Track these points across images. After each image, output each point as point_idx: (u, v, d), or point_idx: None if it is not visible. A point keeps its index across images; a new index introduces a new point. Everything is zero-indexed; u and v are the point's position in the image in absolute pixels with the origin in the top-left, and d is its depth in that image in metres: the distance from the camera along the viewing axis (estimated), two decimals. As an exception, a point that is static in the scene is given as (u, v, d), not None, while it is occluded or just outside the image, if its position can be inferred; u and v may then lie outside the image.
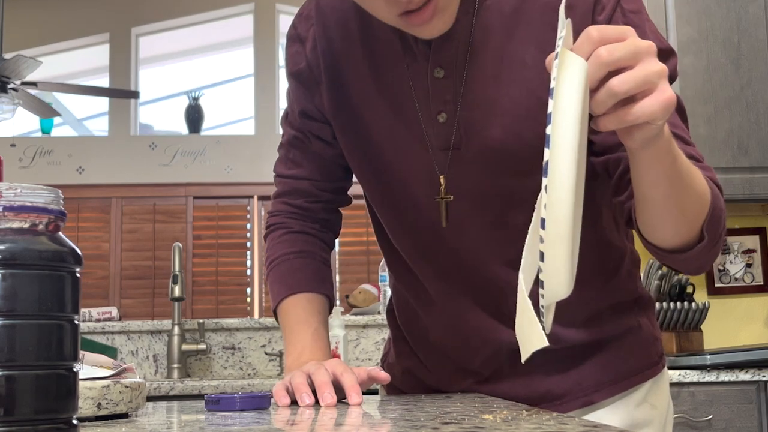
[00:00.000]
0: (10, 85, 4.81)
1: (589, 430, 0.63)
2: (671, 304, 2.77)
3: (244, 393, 0.96)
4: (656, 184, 0.91)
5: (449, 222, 1.12)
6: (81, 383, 0.78)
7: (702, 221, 0.96)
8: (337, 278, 6.54)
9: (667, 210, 0.94)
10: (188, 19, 7.28)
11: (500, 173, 1.08)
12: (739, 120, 2.78)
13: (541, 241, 0.75)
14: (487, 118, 1.06)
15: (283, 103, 7.21)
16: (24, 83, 4.93)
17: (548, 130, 0.73)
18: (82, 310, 2.62)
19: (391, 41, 1.09)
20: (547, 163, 0.73)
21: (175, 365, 3.07)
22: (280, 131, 1.31)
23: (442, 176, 1.10)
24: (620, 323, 1.18)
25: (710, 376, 2.41)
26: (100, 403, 0.85)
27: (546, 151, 0.73)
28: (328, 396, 0.99)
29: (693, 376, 2.41)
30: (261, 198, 6.83)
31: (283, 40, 7.29)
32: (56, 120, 7.07)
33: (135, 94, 6.32)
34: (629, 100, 0.77)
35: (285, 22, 7.04)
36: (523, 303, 0.78)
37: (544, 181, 0.74)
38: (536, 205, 0.76)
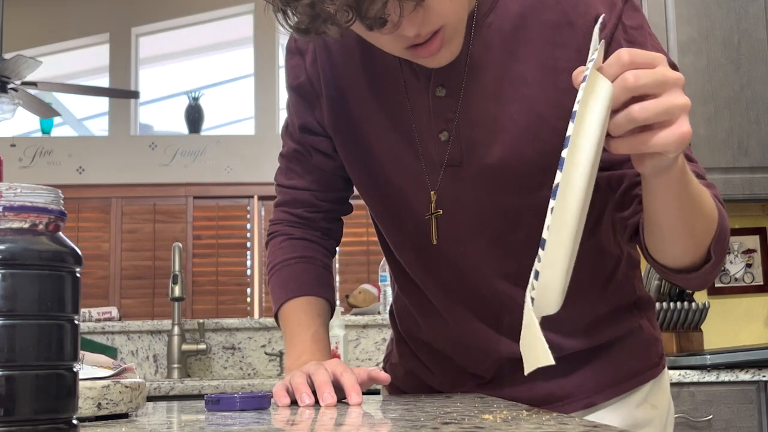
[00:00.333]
0: (10, 85, 4.81)
1: (589, 430, 0.63)
2: (671, 304, 2.77)
3: (244, 393, 0.96)
4: (667, 210, 0.92)
5: (449, 237, 1.12)
6: (81, 383, 0.78)
7: (709, 241, 0.97)
8: (338, 278, 6.54)
9: (677, 233, 0.95)
10: (188, 19, 7.28)
11: (501, 190, 1.08)
12: (739, 120, 2.78)
13: (539, 260, 0.75)
14: (488, 136, 1.06)
15: (283, 103, 7.20)
16: (24, 83, 4.93)
17: (564, 153, 0.73)
18: (82, 310, 2.62)
19: (391, 57, 1.09)
20: (557, 186, 0.73)
21: (175, 365, 3.07)
22: (280, 131, 1.31)
23: (432, 192, 1.10)
24: (621, 327, 1.18)
25: (710, 376, 2.41)
26: (100, 403, 0.85)
27: (558, 173, 0.73)
28: (328, 396, 0.99)
29: (693, 376, 2.41)
30: (261, 198, 6.83)
31: (282, 40, 7.29)
32: (56, 120, 7.07)
33: (135, 94, 6.32)
34: (647, 127, 0.78)
35: (285, 22, 7.01)
36: (530, 319, 0.78)
37: (552, 203, 0.74)
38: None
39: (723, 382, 2.42)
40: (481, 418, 0.74)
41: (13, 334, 0.58)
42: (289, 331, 1.20)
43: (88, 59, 7.39)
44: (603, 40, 0.78)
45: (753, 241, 3.10)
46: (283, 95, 7.01)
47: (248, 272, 6.83)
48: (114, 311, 3.65)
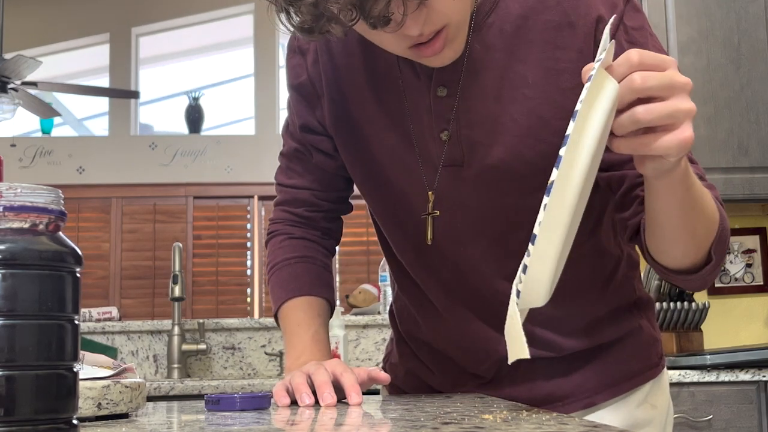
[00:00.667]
0: (10, 85, 4.81)
1: (589, 430, 0.63)
2: (671, 304, 2.77)
3: (244, 393, 0.96)
4: (669, 211, 0.92)
5: (449, 237, 1.12)
6: (81, 383, 0.78)
7: (710, 243, 0.97)
8: (338, 278, 6.54)
9: (678, 234, 0.95)
10: (188, 19, 7.28)
11: (501, 191, 1.08)
12: (739, 120, 2.78)
13: (528, 255, 0.75)
14: (488, 137, 1.06)
15: (283, 103, 7.18)
16: (24, 83, 4.92)
17: (562, 151, 0.73)
18: (82, 310, 2.62)
19: (392, 57, 1.09)
20: (552, 183, 0.73)
21: (175, 365, 3.07)
22: (281, 131, 1.31)
23: (430, 192, 1.10)
24: (620, 327, 1.19)
25: (710, 376, 2.41)
26: (100, 403, 0.85)
27: (554, 171, 0.73)
28: (327, 396, 0.99)
29: (693, 376, 2.41)
30: (261, 198, 6.83)
31: (282, 40, 7.29)
32: (56, 120, 7.06)
33: (135, 94, 6.32)
34: (650, 130, 0.77)
35: (285, 22, 7.01)
36: (513, 311, 0.79)
37: (545, 199, 0.74)
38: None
39: (723, 382, 2.42)
40: (481, 418, 0.74)
41: (13, 334, 0.58)
42: (289, 331, 1.20)
43: (88, 59, 7.39)
44: (613, 40, 0.78)
45: (753, 241, 3.10)
46: (283, 95, 7.01)
47: (248, 272, 6.83)
48: (114, 311, 3.65)
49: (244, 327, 3.20)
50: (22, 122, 6.76)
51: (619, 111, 0.77)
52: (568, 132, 0.73)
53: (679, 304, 2.77)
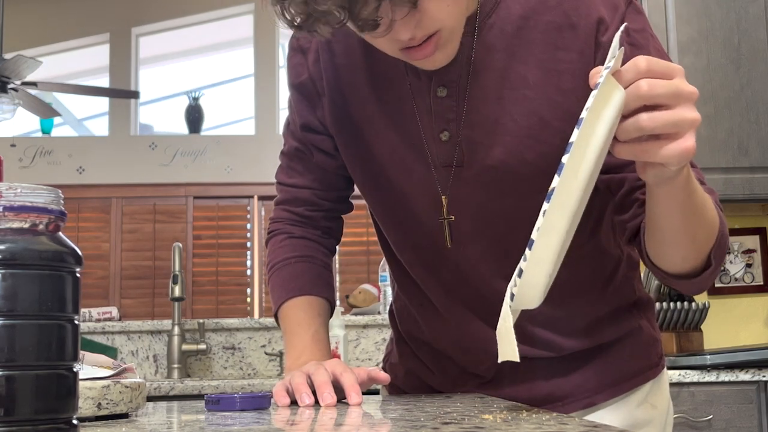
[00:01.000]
0: (10, 85, 4.81)
1: (589, 430, 0.63)
2: (671, 304, 2.77)
3: (244, 393, 0.96)
4: (670, 216, 0.92)
5: (450, 237, 1.12)
6: (81, 383, 0.78)
7: (710, 248, 0.97)
8: (338, 278, 6.54)
9: (678, 239, 0.95)
10: (188, 19, 7.28)
11: (501, 192, 1.08)
12: (739, 120, 2.78)
13: (524, 259, 0.76)
14: (489, 138, 1.06)
15: (283, 103, 7.17)
16: (24, 83, 4.92)
17: (564, 158, 0.73)
18: (82, 310, 2.62)
19: (393, 58, 1.09)
20: (552, 190, 0.73)
21: (175, 365, 3.07)
22: (281, 131, 1.31)
23: (444, 197, 1.10)
24: (620, 327, 1.19)
25: (710, 376, 2.41)
26: (100, 403, 0.85)
27: (556, 178, 0.73)
28: (327, 396, 0.99)
29: (693, 376, 2.41)
30: (261, 198, 6.83)
31: (282, 41, 7.28)
32: (56, 120, 7.06)
33: (135, 94, 6.32)
34: (653, 137, 0.78)
35: (285, 22, 7.01)
36: (506, 313, 0.80)
37: (545, 205, 0.74)
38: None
39: (723, 382, 2.42)
40: (481, 418, 0.74)
41: (13, 334, 0.58)
42: (289, 331, 1.20)
43: (88, 59, 7.39)
44: (622, 48, 0.77)
45: (753, 241, 3.10)
46: (283, 95, 7.01)
47: (248, 272, 6.83)
48: (114, 311, 3.65)
49: (244, 327, 3.20)
50: (22, 122, 6.76)
51: (624, 117, 0.77)
52: (572, 140, 0.73)
53: (679, 304, 2.77)
